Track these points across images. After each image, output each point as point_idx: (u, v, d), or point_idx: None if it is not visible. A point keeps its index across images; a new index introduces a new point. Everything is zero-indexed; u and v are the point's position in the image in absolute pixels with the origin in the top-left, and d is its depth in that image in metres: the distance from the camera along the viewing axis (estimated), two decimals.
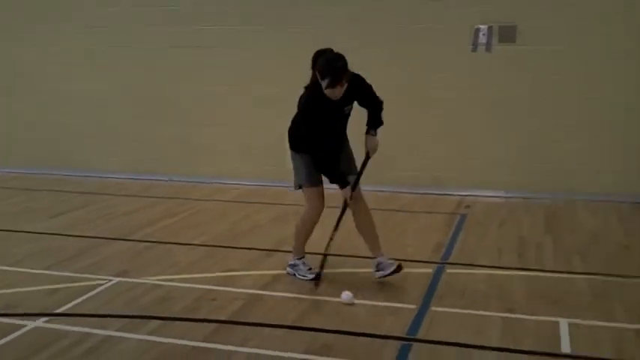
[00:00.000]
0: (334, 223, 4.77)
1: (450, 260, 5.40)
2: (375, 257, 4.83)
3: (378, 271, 4.78)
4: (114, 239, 6.06)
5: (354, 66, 4.59)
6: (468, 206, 7.21)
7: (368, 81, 4.77)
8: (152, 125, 8.83)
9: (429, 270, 5.11)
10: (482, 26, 7.55)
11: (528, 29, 7.43)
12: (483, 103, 7.68)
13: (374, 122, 4.79)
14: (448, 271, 5.13)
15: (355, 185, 4.73)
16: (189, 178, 8.67)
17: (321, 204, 4.84)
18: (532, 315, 4.26)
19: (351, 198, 4.68)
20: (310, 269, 4.90)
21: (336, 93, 4.47)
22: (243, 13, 8.25)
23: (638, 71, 7.23)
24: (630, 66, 7.23)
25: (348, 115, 4.73)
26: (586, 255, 5.51)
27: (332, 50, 4.62)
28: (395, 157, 7.78)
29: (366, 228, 4.87)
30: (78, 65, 8.97)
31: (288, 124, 4.86)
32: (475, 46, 7.61)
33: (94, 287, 4.80)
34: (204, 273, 5.11)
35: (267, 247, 5.70)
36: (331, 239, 4.76)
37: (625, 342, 3.89)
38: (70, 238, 6.12)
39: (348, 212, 4.82)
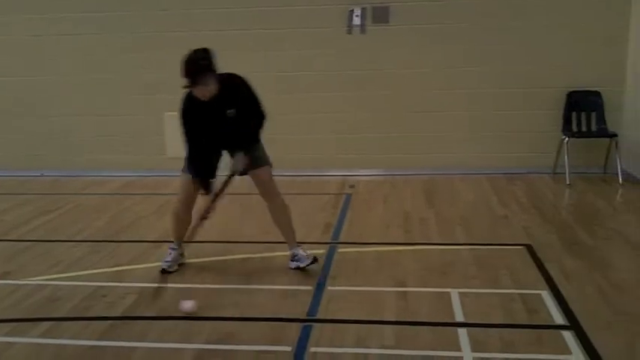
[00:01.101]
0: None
1: (340, 240, 5.48)
2: (290, 250, 4.81)
3: (293, 261, 4.77)
4: None
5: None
6: (352, 186, 7.33)
7: (251, 83, 4.52)
8: (19, 119, 8.41)
9: (320, 250, 5.14)
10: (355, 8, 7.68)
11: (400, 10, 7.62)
12: (357, 83, 7.82)
13: (242, 142, 4.56)
14: (339, 250, 5.21)
15: (216, 198, 4.52)
16: (61, 172, 8.34)
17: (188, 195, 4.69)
18: (423, 287, 4.40)
19: (210, 209, 4.50)
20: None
21: (199, 93, 4.26)
22: None
23: (505, 50, 7.57)
24: (504, 42, 7.57)
25: (234, 118, 4.43)
26: (467, 227, 5.74)
27: (203, 50, 4.29)
28: (273, 140, 7.78)
29: (282, 224, 4.80)
30: None
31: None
32: (350, 27, 7.72)
33: None
34: (90, 270, 4.92)
35: (152, 239, 5.57)
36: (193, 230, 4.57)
37: (513, 306, 4.07)
38: None
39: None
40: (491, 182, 7.35)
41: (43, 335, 3.86)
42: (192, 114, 4.40)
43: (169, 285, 4.45)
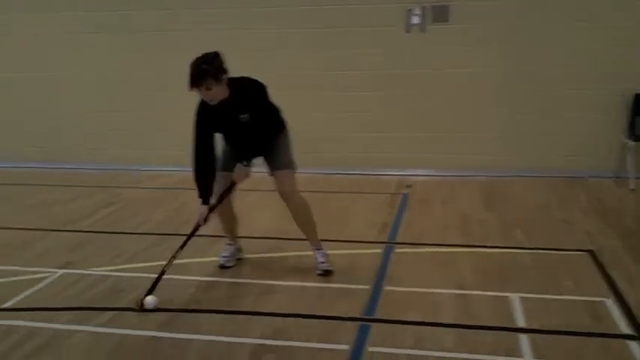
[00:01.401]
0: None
1: (397, 240, 5.44)
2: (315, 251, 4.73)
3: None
4: (53, 230, 5.87)
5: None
6: (409, 185, 7.28)
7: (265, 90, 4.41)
8: (78, 113, 8.60)
9: (377, 250, 5.14)
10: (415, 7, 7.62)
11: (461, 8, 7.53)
12: (418, 83, 7.75)
13: (246, 152, 4.46)
14: (396, 250, 5.17)
15: (213, 208, 4.50)
16: (120, 165, 8.51)
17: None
18: (483, 291, 4.33)
19: (206, 219, 4.48)
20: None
21: (202, 96, 4.22)
22: None
23: (576, 47, 7.39)
24: (566, 42, 7.39)
25: (247, 123, 4.34)
26: (528, 230, 5.63)
27: (212, 54, 4.23)
28: (332, 139, 7.84)
29: (301, 224, 4.70)
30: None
31: None
32: (409, 27, 7.66)
33: (39, 280, 4.63)
34: (151, 262, 4.99)
35: (210, 234, 5.61)
36: (173, 258, 4.43)
37: (576, 313, 3.99)
38: (8, 231, 5.90)
39: None
40: (550, 185, 7.22)
41: (105, 324, 3.94)
42: (205, 117, 4.37)
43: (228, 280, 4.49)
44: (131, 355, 3.61)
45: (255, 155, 4.50)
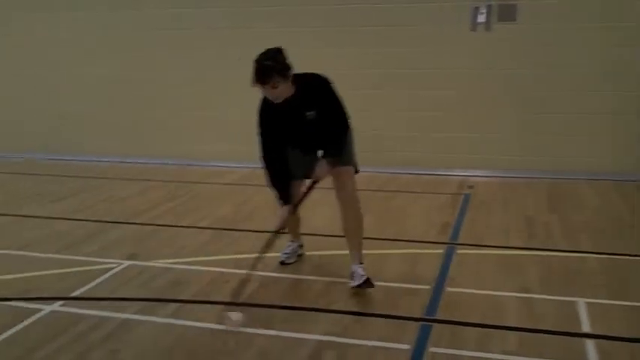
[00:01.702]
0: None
1: (458, 241, 5.40)
2: (351, 264, 4.39)
3: (351, 280, 4.34)
4: (119, 223, 6.01)
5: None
6: (471, 186, 7.21)
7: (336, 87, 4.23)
8: (143, 109, 8.80)
9: (439, 251, 5.11)
10: (481, 5, 7.54)
11: (528, 7, 7.41)
12: (481, 83, 7.67)
13: (327, 149, 4.28)
14: (458, 251, 5.13)
15: (295, 208, 4.39)
16: (184, 161, 8.65)
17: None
18: (548, 295, 4.27)
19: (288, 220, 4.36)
20: None
21: (267, 94, 4.04)
22: None
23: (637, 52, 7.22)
24: (634, 42, 7.21)
25: (314, 120, 4.17)
26: (593, 234, 5.52)
27: (274, 50, 4.04)
28: (394, 138, 7.81)
29: (351, 234, 4.41)
30: (55, 53, 8.94)
31: None
32: (474, 25, 7.58)
33: (106, 271, 4.76)
34: (214, 256, 5.08)
35: (272, 230, 5.65)
36: (257, 259, 4.24)
37: None
38: (75, 222, 6.06)
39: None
40: (619, 189, 7.06)
41: (170, 316, 4.02)
42: (268, 116, 4.22)
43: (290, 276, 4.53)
44: (195, 347, 3.67)
45: (326, 154, 4.29)
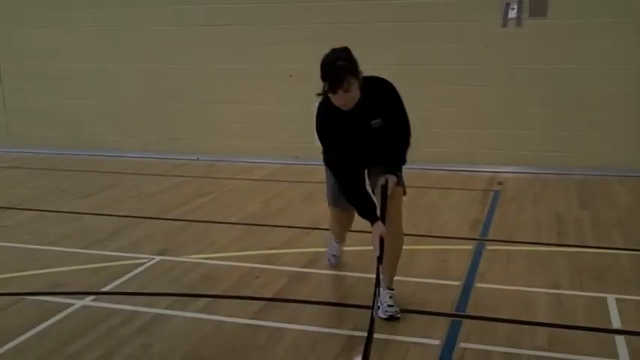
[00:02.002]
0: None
1: (488, 237, 5.38)
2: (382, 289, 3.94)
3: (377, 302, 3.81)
4: (148, 218, 6.07)
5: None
6: (500, 183, 7.16)
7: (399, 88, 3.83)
8: (173, 105, 8.84)
9: (468, 247, 5.10)
10: (511, 1, 7.48)
11: (560, 2, 7.34)
12: (510, 78, 7.62)
13: (390, 163, 3.86)
14: (488, 247, 5.11)
15: (384, 219, 3.77)
16: (214, 157, 8.67)
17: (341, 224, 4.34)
18: (578, 291, 4.24)
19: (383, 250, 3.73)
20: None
21: (339, 100, 3.53)
22: None
23: None
24: None
25: (379, 129, 3.75)
26: (625, 230, 5.46)
27: (342, 49, 3.61)
28: (422, 134, 7.75)
29: (390, 255, 3.90)
30: (91, 47, 9.01)
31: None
32: (505, 21, 7.53)
33: (137, 266, 4.81)
34: (244, 251, 5.11)
35: (303, 225, 5.69)
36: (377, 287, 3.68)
37: None
38: (105, 217, 6.14)
39: None
40: None
41: (201, 311, 4.06)
42: (332, 128, 3.73)
43: (320, 271, 4.55)
44: (226, 341, 3.70)
45: (392, 169, 3.85)
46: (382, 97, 3.73)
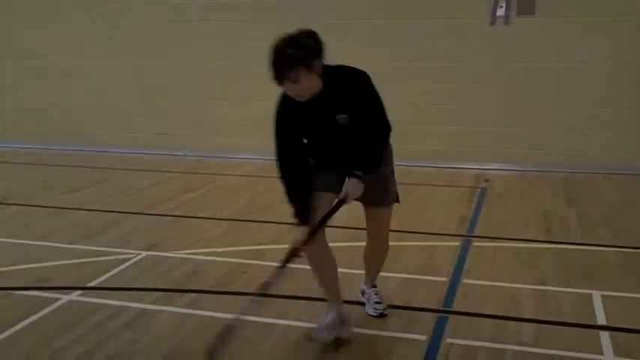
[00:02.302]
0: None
1: (475, 234, 5.39)
2: (364, 285, 4.03)
3: (363, 299, 4.01)
4: (136, 213, 6.05)
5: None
6: (487, 180, 7.18)
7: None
8: (162, 101, 8.84)
9: (455, 243, 5.11)
10: None
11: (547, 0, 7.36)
12: (499, 76, 7.64)
13: (361, 161, 3.38)
14: (475, 244, 5.13)
15: (315, 230, 3.36)
16: (202, 152, 8.67)
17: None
18: (564, 287, 4.26)
19: (305, 244, 3.34)
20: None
21: (290, 91, 3.17)
22: None
23: None
24: None
25: (347, 125, 3.32)
26: (612, 228, 5.49)
27: (300, 33, 3.21)
28: (410, 131, 7.78)
29: (372, 261, 3.92)
30: (85, 43, 8.99)
31: None
32: (494, 19, 7.55)
33: (123, 261, 4.80)
34: (231, 247, 5.11)
35: (291, 221, 5.65)
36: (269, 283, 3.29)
37: None
38: (92, 212, 6.12)
39: None
40: (637, 183, 7.01)
41: (187, 306, 4.06)
42: (288, 119, 3.34)
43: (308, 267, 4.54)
44: (212, 336, 3.68)
45: (361, 170, 3.38)
46: (351, 89, 3.30)
